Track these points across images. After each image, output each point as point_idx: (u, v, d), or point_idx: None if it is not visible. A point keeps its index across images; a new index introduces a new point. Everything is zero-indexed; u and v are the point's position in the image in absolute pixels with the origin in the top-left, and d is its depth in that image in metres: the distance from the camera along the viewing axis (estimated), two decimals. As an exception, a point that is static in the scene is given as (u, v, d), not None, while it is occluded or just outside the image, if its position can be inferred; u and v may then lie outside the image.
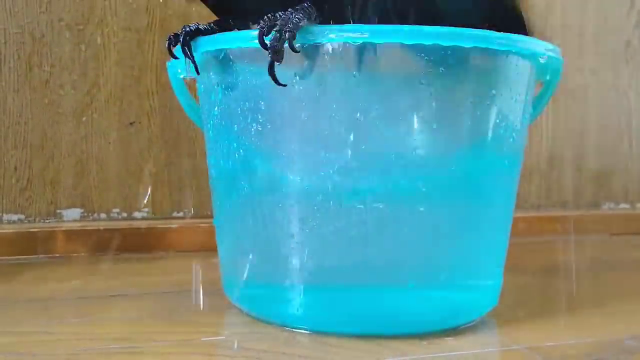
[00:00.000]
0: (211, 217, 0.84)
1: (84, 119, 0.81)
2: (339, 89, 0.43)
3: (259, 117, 0.45)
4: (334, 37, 0.40)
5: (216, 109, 0.49)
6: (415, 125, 0.43)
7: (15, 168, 0.79)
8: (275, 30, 0.41)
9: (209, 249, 0.79)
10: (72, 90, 0.80)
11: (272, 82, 0.41)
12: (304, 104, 0.43)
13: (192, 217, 0.85)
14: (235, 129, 0.47)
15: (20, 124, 0.79)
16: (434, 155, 0.44)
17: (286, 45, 0.40)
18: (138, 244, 0.79)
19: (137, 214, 0.83)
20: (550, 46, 0.48)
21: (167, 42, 0.49)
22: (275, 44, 0.40)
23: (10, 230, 0.75)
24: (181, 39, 0.47)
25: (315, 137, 0.44)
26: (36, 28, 0.79)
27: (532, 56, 0.47)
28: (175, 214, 0.85)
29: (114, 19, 0.81)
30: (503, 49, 0.44)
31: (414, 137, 0.44)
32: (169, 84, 0.82)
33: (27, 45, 0.78)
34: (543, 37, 0.50)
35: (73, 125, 0.81)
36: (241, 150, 0.47)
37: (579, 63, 0.99)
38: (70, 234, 0.76)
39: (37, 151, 0.79)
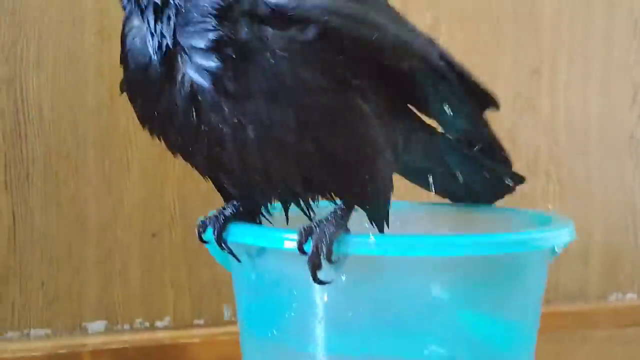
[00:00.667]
0: (230, 324, 0.87)
1: (108, 233, 0.83)
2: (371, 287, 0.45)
3: (293, 304, 0.47)
4: (371, 248, 0.43)
5: (249, 287, 0.51)
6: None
7: (43, 283, 0.81)
8: (313, 246, 0.43)
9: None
10: (97, 206, 0.83)
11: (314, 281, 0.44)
12: (334, 295, 0.46)
13: (212, 325, 0.87)
14: (268, 310, 0.49)
15: (47, 239, 0.81)
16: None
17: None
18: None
19: (159, 323, 0.86)
20: (566, 229, 0.51)
21: (196, 230, 0.51)
22: (314, 259, 0.43)
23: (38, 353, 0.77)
24: (215, 234, 0.50)
25: (344, 329, 0.46)
26: (63, 147, 0.81)
27: (550, 249, 0.49)
28: (196, 322, 0.87)
29: (137, 135, 0.84)
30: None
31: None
32: (189, 195, 0.85)
33: (54, 163, 0.81)
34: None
35: (97, 240, 0.83)
36: (274, 331, 0.49)
37: (584, 159, 1.02)
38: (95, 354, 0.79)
39: (64, 266, 0.82)
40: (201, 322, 0.87)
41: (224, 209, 0.52)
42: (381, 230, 0.50)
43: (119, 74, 0.79)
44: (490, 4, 0.96)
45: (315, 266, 0.43)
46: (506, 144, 0.94)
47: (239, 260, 0.51)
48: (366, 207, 0.48)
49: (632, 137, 1.05)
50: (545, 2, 0.99)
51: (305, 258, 0.44)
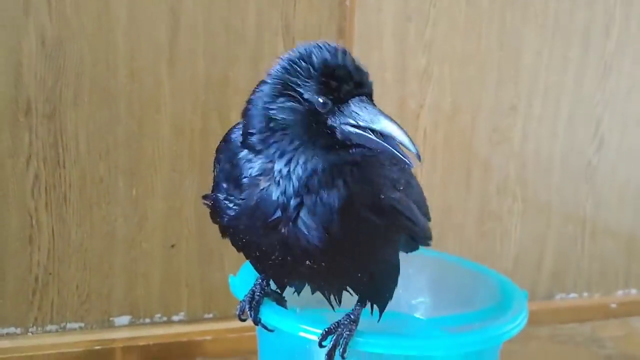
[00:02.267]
0: (233, 318, 1.03)
1: (133, 245, 0.97)
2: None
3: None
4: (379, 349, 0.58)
5: (272, 347, 0.66)
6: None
7: (77, 287, 0.95)
8: (331, 344, 0.58)
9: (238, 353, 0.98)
10: (125, 223, 0.96)
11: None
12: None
13: (220, 319, 1.03)
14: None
15: (81, 251, 0.94)
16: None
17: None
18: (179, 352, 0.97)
19: (175, 317, 1.01)
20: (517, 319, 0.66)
21: (237, 313, 0.65)
22: (331, 354, 0.58)
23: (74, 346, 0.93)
24: (252, 317, 0.64)
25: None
26: (96, 173, 0.93)
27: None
28: (206, 316, 1.03)
29: (161, 163, 0.95)
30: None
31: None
32: (204, 213, 0.98)
33: (88, 188, 0.93)
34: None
35: (124, 251, 0.96)
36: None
37: (546, 182, 1.17)
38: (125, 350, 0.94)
39: (95, 272, 0.96)
40: (211, 316, 1.03)
41: (254, 292, 0.66)
42: (381, 314, 0.65)
43: (147, 110, 0.91)
44: (477, 49, 1.07)
45: (330, 358, 0.58)
46: (480, 169, 1.10)
47: (271, 331, 0.65)
48: (380, 304, 0.64)
49: (590, 165, 1.20)
50: (527, 44, 1.10)
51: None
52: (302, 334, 0.61)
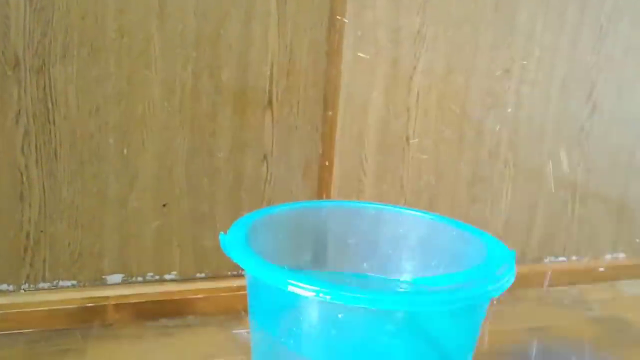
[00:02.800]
0: (227, 277, 1.04)
1: (125, 203, 0.96)
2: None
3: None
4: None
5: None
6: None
7: (69, 244, 0.95)
8: None
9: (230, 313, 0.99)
10: (116, 181, 0.95)
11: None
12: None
13: (211, 278, 1.04)
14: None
15: (72, 209, 0.94)
16: None
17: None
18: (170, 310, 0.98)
19: (167, 276, 1.02)
20: (502, 275, 0.66)
21: None
22: None
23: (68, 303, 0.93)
24: None
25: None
26: (86, 130, 0.92)
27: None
28: (198, 275, 1.03)
29: (152, 119, 0.95)
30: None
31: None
32: (195, 171, 0.98)
33: (79, 144, 0.92)
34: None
35: (116, 209, 0.96)
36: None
37: (539, 147, 1.17)
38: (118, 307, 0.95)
39: (87, 231, 0.96)
40: (203, 275, 1.04)
41: None
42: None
43: (136, 66, 0.90)
44: (472, 10, 1.05)
45: None
46: (473, 133, 1.10)
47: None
48: None
49: (582, 130, 1.20)
50: (522, 8, 1.08)
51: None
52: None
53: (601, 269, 1.27)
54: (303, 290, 0.59)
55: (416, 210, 0.87)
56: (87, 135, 0.92)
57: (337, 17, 0.99)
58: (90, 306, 0.94)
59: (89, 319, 0.94)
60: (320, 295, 0.58)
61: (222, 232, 0.73)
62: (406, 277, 0.85)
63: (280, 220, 0.83)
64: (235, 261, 0.67)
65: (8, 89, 0.87)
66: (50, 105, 0.90)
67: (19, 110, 0.88)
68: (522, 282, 1.18)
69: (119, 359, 0.85)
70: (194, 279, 1.03)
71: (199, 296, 0.99)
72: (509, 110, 1.12)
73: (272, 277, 0.61)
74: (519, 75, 1.11)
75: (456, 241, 0.80)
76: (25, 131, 0.89)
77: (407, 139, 1.07)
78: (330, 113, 1.02)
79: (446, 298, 0.60)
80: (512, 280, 0.67)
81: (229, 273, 1.05)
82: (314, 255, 0.87)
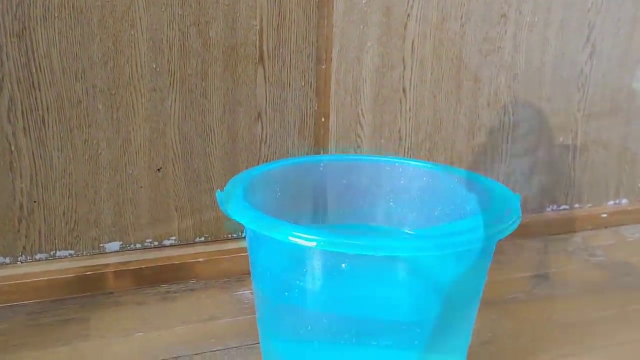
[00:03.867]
0: (226, 240, 1.02)
1: (118, 169, 0.94)
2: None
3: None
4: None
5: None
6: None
7: (64, 213, 0.94)
8: None
9: (231, 275, 0.98)
10: (108, 146, 0.93)
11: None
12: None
13: (211, 241, 1.02)
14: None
15: (65, 177, 0.92)
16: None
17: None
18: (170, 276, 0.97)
19: (166, 242, 1.00)
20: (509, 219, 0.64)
21: None
22: None
23: (64, 273, 0.92)
24: None
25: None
26: (73, 95, 0.89)
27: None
28: (197, 239, 1.02)
29: (141, 81, 0.92)
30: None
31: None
32: (189, 133, 0.96)
33: (67, 110, 0.89)
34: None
35: (110, 175, 0.94)
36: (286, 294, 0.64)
37: (538, 92, 1.15)
38: (117, 274, 0.93)
39: (81, 199, 0.94)
40: (202, 239, 1.02)
41: None
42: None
43: (121, 25, 0.87)
44: (466, -48, 1.02)
45: None
46: (470, 81, 1.07)
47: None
48: None
49: (582, 73, 1.17)
50: (517, -52, 1.05)
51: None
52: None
53: (604, 215, 1.26)
54: (305, 240, 0.58)
55: (415, 161, 0.85)
56: (75, 100, 0.90)
57: (326, -35, 0.95)
58: (90, 274, 0.92)
59: (89, 287, 0.92)
60: (322, 244, 0.56)
61: (218, 190, 0.71)
62: (407, 228, 0.84)
63: (278, 176, 0.81)
64: (231, 217, 0.65)
65: (-11, 55, 0.84)
66: (34, 70, 0.87)
67: (2, 77, 0.85)
68: (524, 231, 1.17)
69: (123, 325, 0.83)
70: (193, 244, 1.02)
71: (200, 260, 0.98)
72: (507, 56, 1.10)
73: (273, 229, 0.59)
74: (516, 19, 1.08)
75: (458, 189, 0.78)
76: (10, 98, 0.86)
77: (404, 90, 1.04)
78: (323, 67, 0.99)
79: (451, 241, 0.58)
80: (518, 222, 0.66)
81: (229, 236, 1.03)
82: (313, 210, 0.85)
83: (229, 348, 0.79)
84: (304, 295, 0.64)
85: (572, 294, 0.97)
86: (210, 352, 0.78)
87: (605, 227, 1.26)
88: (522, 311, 0.91)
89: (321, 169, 0.86)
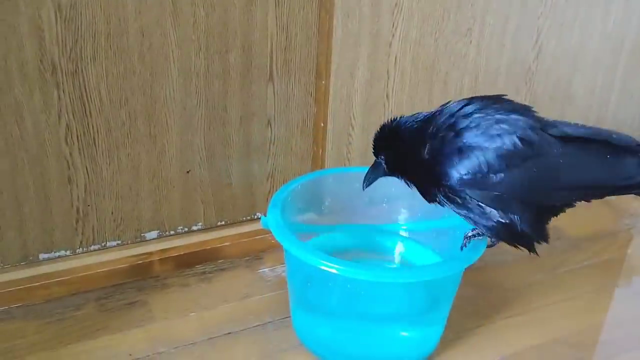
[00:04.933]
0: (242, 222, 1.24)
1: (155, 174, 1.13)
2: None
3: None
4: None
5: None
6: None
7: (112, 213, 1.13)
8: None
9: (251, 254, 1.21)
10: (147, 157, 1.11)
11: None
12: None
13: (230, 224, 1.24)
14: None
15: (112, 184, 1.10)
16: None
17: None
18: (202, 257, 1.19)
19: (194, 227, 1.21)
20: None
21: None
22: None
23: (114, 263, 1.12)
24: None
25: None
26: (118, 119, 1.06)
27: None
28: (219, 223, 1.23)
29: (173, 103, 1.09)
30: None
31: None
32: (213, 142, 1.14)
33: (113, 131, 1.06)
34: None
35: (149, 180, 1.13)
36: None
37: (494, 88, 1.37)
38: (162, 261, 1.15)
39: (126, 200, 1.12)
40: (222, 223, 1.24)
41: None
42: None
43: (158, 61, 1.03)
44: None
45: None
46: (440, 85, 1.29)
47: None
48: None
49: (529, 70, 1.40)
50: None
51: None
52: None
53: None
54: (330, 268, 0.82)
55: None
56: (120, 123, 1.06)
57: (326, -3, 1.12)
58: (139, 263, 1.13)
59: (139, 273, 1.14)
60: (342, 271, 0.81)
61: (262, 216, 0.93)
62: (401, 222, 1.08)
63: (298, 191, 1.03)
64: (277, 239, 0.88)
65: (49, 90, 0.99)
66: (85, 101, 1.02)
67: (60, 109, 1.01)
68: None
69: (178, 306, 1.06)
70: (216, 227, 1.23)
71: (226, 244, 1.20)
72: (470, 62, 1.31)
73: (304, 255, 0.83)
74: (479, 31, 1.29)
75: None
76: (67, 125, 1.02)
77: (387, 96, 1.25)
78: (323, 82, 1.18)
79: (430, 272, 0.84)
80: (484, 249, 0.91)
81: (243, 218, 1.25)
82: (327, 211, 1.08)
83: (265, 323, 1.04)
84: (324, 300, 0.88)
85: (515, 260, 1.25)
86: (251, 327, 1.02)
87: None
88: (478, 278, 1.18)
89: (330, 180, 1.08)
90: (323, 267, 0.83)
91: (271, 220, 0.92)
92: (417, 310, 0.90)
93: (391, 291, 0.86)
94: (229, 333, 1.01)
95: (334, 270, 0.83)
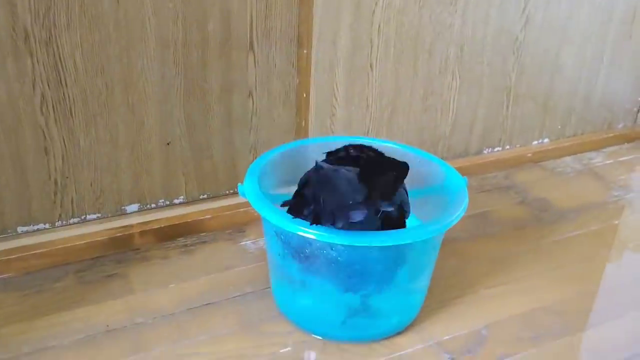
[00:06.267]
0: (225, 196, 1.23)
1: (135, 146, 1.11)
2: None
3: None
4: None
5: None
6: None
7: (91, 185, 1.11)
8: None
9: (233, 227, 1.20)
10: (125, 128, 1.09)
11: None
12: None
13: (213, 198, 1.23)
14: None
15: (91, 156, 1.09)
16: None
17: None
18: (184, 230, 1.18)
19: (176, 200, 1.20)
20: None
21: None
22: None
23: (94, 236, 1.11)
24: None
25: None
26: (95, 88, 1.04)
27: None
28: (201, 197, 1.22)
29: (151, 72, 1.07)
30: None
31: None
32: (192, 113, 1.13)
33: (90, 101, 1.04)
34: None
35: (128, 151, 1.11)
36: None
37: (480, 59, 1.36)
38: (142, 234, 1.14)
39: (105, 172, 1.11)
40: (205, 196, 1.22)
41: None
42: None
43: (134, 29, 1.01)
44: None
45: None
46: (425, 55, 1.27)
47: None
48: None
49: (517, 40, 1.38)
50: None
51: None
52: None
53: (529, 155, 1.52)
54: (308, 234, 0.80)
55: (386, 142, 1.07)
56: (96, 93, 1.05)
57: (306, -36, 1.09)
58: (119, 235, 1.12)
59: (120, 246, 1.12)
60: (321, 237, 0.80)
61: (239, 184, 0.92)
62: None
63: (278, 161, 1.02)
64: (254, 207, 0.87)
65: (22, 59, 0.97)
66: (60, 70, 1.00)
67: (34, 78, 0.99)
68: (465, 172, 1.42)
69: (158, 278, 1.05)
70: (199, 200, 1.22)
71: (207, 217, 1.19)
72: (456, 32, 1.29)
73: (283, 223, 0.82)
74: (464, 1, 1.26)
75: (418, 166, 1.01)
76: (42, 94, 1.01)
77: (371, 65, 1.23)
78: (305, 51, 1.16)
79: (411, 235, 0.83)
80: (466, 207, 0.90)
81: (226, 192, 1.24)
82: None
83: (245, 293, 1.03)
84: (305, 264, 0.87)
85: (501, 231, 1.24)
86: (232, 298, 1.01)
87: (531, 163, 1.53)
88: (463, 249, 1.17)
89: (310, 149, 1.06)
90: (300, 233, 0.82)
91: (248, 188, 0.91)
92: (397, 276, 0.89)
93: (369, 256, 0.85)
94: (209, 304, 1.00)
95: (311, 236, 0.82)
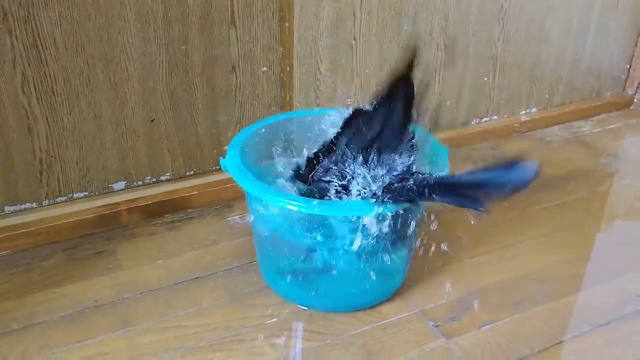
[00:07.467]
0: (211, 172, 1.23)
1: (119, 123, 1.11)
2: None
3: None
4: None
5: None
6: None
7: (76, 163, 1.11)
8: None
9: (220, 203, 1.20)
10: (108, 105, 1.09)
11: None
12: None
13: (199, 174, 1.23)
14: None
15: (75, 134, 1.09)
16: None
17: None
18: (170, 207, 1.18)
19: (162, 177, 1.20)
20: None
21: None
22: None
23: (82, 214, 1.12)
24: None
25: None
26: (75, 66, 1.04)
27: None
28: (187, 173, 1.22)
29: (132, 49, 1.06)
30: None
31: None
32: (175, 88, 1.13)
33: (72, 79, 1.04)
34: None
35: (112, 129, 1.11)
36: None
37: (465, 29, 1.35)
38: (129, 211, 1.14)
39: (90, 150, 1.11)
40: (192, 173, 1.23)
41: None
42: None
43: (113, 5, 1.01)
44: None
45: None
46: (410, 26, 1.26)
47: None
48: None
49: (502, 8, 1.37)
50: None
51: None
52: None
53: (516, 125, 1.52)
54: (291, 206, 0.81)
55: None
56: (78, 70, 1.04)
57: None
58: (106, 213, 1.13)
59: (107, 223, 1.13)
60: (302, 209, 0.80)
61: (221, 158, 0.92)
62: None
63: (261, 134, 1.02)
64: (235, 180, 0.87)
65: (1, 38, 0.97)
66: (40, 49, 1.00)
67: (14, 57, 0.99)
68: (455, 143, 1.43)
69: (145, 254, 1.06)
70: (185, 177, 1.22)
71: (194, 193, 1.19)
72: (440, 2, 1.28)
73: (265, 195, 0.82)
74: (448, -31, 1.26)
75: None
76: (22, 74, 1.00)
77: (355, 38, 1.23)
78: (287, 24, 1.15)
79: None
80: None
81: (213, 168, 1.24)
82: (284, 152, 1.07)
83: (232, 268, 1.03)
84: (288, 233, 0.88)
85: (488, 200, 1.25)
86: (219, 272, 1.02)
87: (519, 133, 1.53)
88: (446, 218, 1.18)
89: (293, 123, 1.06)
90: (282, 205, 0.83)
91: (229, 161, 0.91)
92: (379, 245, 0.89)
93: (350, 226, 0.85)
94: (196, 278, 1.01)
95: (294, 208, 0.82)
